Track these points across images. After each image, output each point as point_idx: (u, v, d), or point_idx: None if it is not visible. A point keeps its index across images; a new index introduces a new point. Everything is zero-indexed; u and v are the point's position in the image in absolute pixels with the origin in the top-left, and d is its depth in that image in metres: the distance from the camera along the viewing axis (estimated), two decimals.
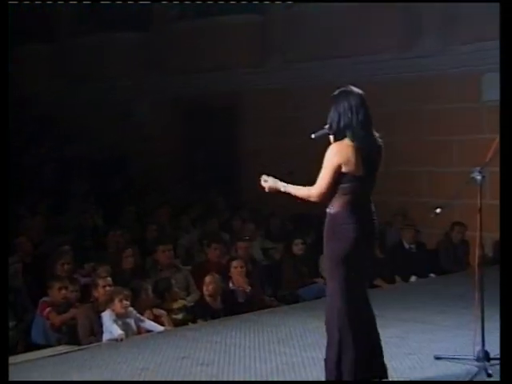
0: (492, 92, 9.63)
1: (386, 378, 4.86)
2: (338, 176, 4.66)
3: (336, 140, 4.74)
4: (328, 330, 4.82)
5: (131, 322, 6.90)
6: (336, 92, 4.82)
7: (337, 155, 4.65)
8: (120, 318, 6.80)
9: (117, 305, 6.79)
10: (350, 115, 4.69)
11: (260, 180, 4.97)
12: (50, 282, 7.39)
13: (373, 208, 4.83)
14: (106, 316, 6.77)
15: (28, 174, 12.85)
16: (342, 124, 4.71)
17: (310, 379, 5.35)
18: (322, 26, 12.18)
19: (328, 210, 4.77)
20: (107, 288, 7.07)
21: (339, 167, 4.64)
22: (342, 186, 4.69)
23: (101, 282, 7.13)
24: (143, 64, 14.67)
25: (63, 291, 7.26)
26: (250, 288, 8.10)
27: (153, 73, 14.58)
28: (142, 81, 14.52)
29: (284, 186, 4.89)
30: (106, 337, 6.73)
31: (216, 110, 13.81)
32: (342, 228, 4.69)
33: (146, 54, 14.70)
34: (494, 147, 5.27)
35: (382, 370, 4.84)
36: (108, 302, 6.87)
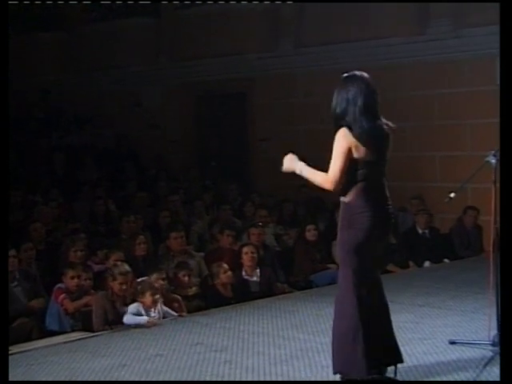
0: None
1: (402, 361, 4.84)
2: (350, 161, 4.60)
3: (336, 126, 4.70)
4: (336, 317, 4.81)
5: (156, 314, 6.86)
6: (342, 78, 4.80)
7: (346, 138, 4.61)
8: (148, 310, 6.78)
9: (147, 298, 6.76)
10: (346, 103, 4.68)
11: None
12: (64, 269, 7.40)
13: (387, 194, 4.80)
14: (132, 309, 6.76)
15: (41, 161, 12.87)
16: (339, 111, 4.70)
17: (324, 365, 5.34)
18: (333, 10, 12.08)
19: (342, 199, 4.74)
20: (124, 286, 6.96)
21: (349, 151, 4.60)
22: (354, 172, 4.65)
23: (119, 278, 6.95)
24: (154, 50, 14.63)
25: (76, 280, 7.26)
26: (258, 275, 8.09)
27: (163, 59, 14.54)
28: (153, 67, 14.49)
29: (300, 169, 4.77)
30: (127, 320, 6.71)
31: (227, 96, 13.76)
32: (357, 217, 4.66)
33: (156, 40, 14.65)
34: None
35: (398, 354, 4.82)
36: (138, 294, 6.84)
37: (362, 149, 4.61)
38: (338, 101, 4.73)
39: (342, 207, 4.76)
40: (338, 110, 4.71)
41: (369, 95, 4.68)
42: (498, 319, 5.28)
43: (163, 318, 6.96)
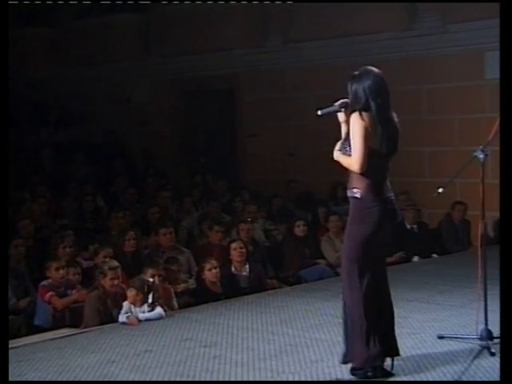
0: (494, 70, 9.57)
1: (398, 354, 4.96)
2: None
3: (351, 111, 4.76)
4: (345, 310, 4.88)
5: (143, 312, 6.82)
6: (358, 71, 4.84)
7: (363, 119, 4.67)
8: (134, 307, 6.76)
9: (130, 294, 6.74)
10: (365, 93, 4.73)
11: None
12: (48, 262, 7.37)
13: (390, 187, 4.89)
14: (123, 307, 6.75)
15: (29, 157, 12.81)
16: (361, 102, 4.73)
17: (313, 360, 5.36)
18: (322, 5, 12.07)
19: (351, 194, 4.82)
20: (115, 281, 6.96)
21: (367, 131, 4.65)
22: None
23: (109, 274, 6.96)
24: (142, 46, 14.59)
25: (61, 271, 7.23)
26: (247, 271, 8.09)
27: (152, 55, 14.50)
28: (141, 63, 14.45)
29: (336, 156, 4.86)
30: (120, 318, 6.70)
31: (215, 92, 13.74)
32: (368, 212, 4.76)
33: (144, 36, 14.61)
34: (497, 125, 5.24)
35: (396, 347, 4.93)
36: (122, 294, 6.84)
37: (374, 137, 4.68)
38: (355, 89, 4.75)
39: (352, 202, 4.83)
40: (356, 98, 4.74)
41: (384, 89, 4.78)
42: (485, 313, 5.31)
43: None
